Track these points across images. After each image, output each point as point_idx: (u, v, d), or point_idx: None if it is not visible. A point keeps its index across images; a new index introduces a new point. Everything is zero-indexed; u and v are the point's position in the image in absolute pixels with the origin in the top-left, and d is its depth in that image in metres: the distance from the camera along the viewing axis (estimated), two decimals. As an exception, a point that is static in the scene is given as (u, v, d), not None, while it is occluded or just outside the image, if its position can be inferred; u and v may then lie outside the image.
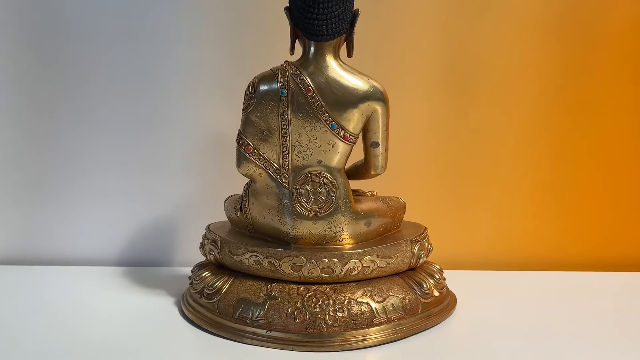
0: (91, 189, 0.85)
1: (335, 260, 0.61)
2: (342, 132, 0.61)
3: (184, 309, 0.67)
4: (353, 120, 0.61)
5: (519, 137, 0.86)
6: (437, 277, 0.67)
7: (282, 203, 0.62)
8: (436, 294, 0.66)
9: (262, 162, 0.63)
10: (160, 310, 0.65)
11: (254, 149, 0.63)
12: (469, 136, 0.86)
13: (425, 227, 0.70)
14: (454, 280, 0.72)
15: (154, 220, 0.87)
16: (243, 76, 0.66)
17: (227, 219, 0.71)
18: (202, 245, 0.70)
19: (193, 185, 0.84)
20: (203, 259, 0.70)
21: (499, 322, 0.63)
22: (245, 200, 0.66)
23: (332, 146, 0.61)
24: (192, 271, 0.71)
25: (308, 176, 0.62)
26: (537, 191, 0.87)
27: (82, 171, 0.85)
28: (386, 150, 0.64)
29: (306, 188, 0.62)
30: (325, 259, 0.60)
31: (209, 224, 0.73)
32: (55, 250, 0.85)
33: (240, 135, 0.63)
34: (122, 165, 0.83)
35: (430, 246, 0.69)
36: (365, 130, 0.63)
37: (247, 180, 0.66)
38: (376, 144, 0.63)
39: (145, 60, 0.84)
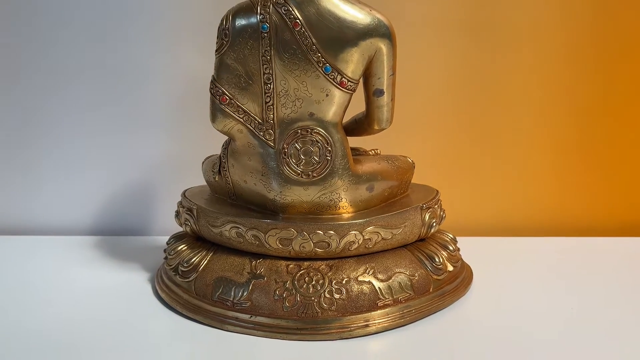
0: (59, 152, 0.76)
1: (332, 232, 0.51)
2: (339, 77, 0.50)
3: (157, 287, 0.58)
4: (352, 62, 0.50)
5: (544, 90, 0.75)
6: (450, 248, 0.58)
7: (266, 165, 0.52)
8: (450, 268, 0.56)
9: (241, 116, 0.52)
10: (132, 287, 0.59)
11: (230, 99, 0.52)
12: (488, 88, 0.75)
13: (437, 191, 0.60)
14: (468, 250, 0.63)
15: (128, 185, 0.78)
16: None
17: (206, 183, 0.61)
18: (177, 215, 0.61)
19: (171, 144, 0.76)
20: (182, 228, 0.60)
21: (523, 299, 0.56)
22: (224, 162, 0.55)
23: (327, 95, 0.50)
24: (167, 243, 0.62)
25: (297, 132, 0.51)
26: (561, 151, 0.77)
27: (49, 134, 0.76)
28: (392, 99, 0.53)
29: (295, 147, 0.51)
30: (320, 231, 0.51)
31: (186, 190, 0.63)
32: (20, 219, 0.80)
33: (213, 82, 0.52)
34: (92, 125, 0.76)
35: (443, 213, 0.59)
36: (367, 74, 0.52)
37: (226, 138, 0.55)
38: (380, 92, 0.52)
39: (117, 3, 0.72)
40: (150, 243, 0.75)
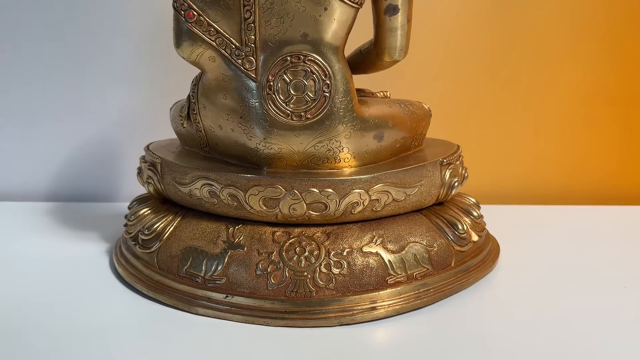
0: (7, 108, 0.67)
1: (330, 190, 0.40)
2: (341, -14, 0.38)
3: (115, 260, 0.47)
4: None
5: (578, 32, 0.64)
6: (474, 214, 0.47)
7: (246, 104, 0.40)
8: (475, 238, 0.46)
9: (212, 38, 0.40)
10: (86, 260, 0.51)
11: (199, 15, 0.40)
12: (519, 27, 0.63)
13: (458, 146, 0.49)
14: (492, 220, 0.54)
15: (88, 144, 0.69)
16: None
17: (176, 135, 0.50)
18: (140, 172, 0.49)
19: (138, 95, 0.67)
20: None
21: (561, 276, 0.47)
22: (194, 103, 0.44)
23: (325, 9, 0.39)
24: (129, 207, 0.51)
25: (287, 60, 0.40)
26: (596, 106, 0.66)
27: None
28: (409, 21, 0.42)
29: (284, 79, 0.40)
30: (315, 189, 0.40)
31: (150, 143, 0.51)
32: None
33: (177, -7, 0.40)
34: (44, 77, 0.67)
35: (465, 171, 0.49)
36: None
37: (197, 72, 0.44)
38: (394, 9, 0.41)
39: None
40: (114, 210, 0.65)
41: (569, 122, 0.66)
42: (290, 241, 0.41)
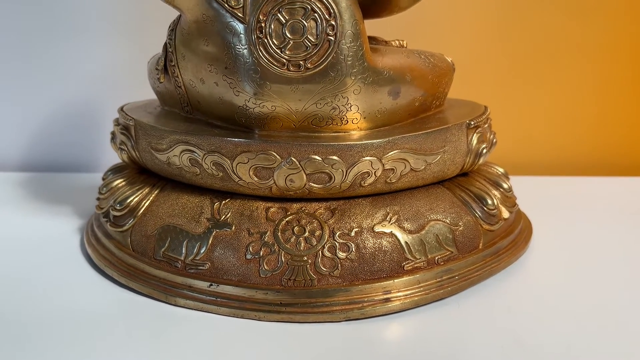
0: None
1: (335, 158, 0.33)
2: None
3: (85, 240, 0.41)
4: None
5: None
6: (505, 186, 0.40)
7: (232, 51, 0.33)
8: (505, 215, 0.39)
9: (190, -33, 0.32)
10: (54, 239, 0.45)
11: (172, -62, 0.32)
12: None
13: (486, 107, 0.42)
14: (520, 193, 0.47)
15: (62, 109, 0.62)
16: None
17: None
18: (113, 138, 0.42)
19: (117, 52, 0.60)
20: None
21: (604, 258, 0.40)
22: (171, 53, 0.36)
23: None
24: (103, 179, 0.44)
25: (281, -5, 0.32)
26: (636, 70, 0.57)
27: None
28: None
29: (278, 19, 0.32)
30: (317, 156, 0.33)
31: (125, 104, 0.44)
32: None
33: None
34: (10, 32, 0.59)
35: (494, 137, 0.41)
36: None
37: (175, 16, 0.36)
38: None
39: None
40: (91, 181, 0.58)
41: (607, 89, 0.59)
42: (287, 219, 0.34)
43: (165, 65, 0.37)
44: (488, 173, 0.41)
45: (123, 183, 0.41)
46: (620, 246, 0.41)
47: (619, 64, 0.59)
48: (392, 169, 0.34)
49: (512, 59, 0.59)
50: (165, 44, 0.37)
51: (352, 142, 0.33)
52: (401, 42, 0.40)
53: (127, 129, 0.39)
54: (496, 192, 0.39)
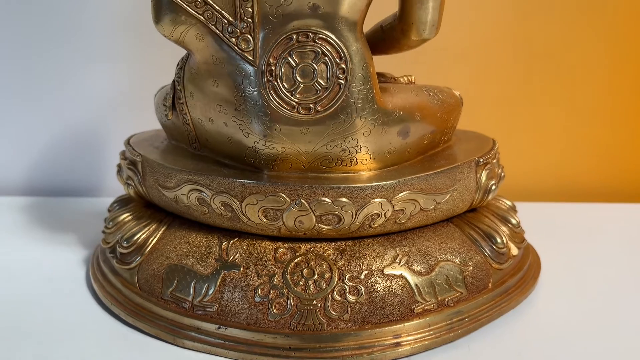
0: None
1: (345, 200, 0.33)
2: (362, -58, 0.30)
3: (91, 274, 0.40)
4: None
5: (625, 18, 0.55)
6: (513, 222, 0.40)
7: (242, 93, 0.33)
8: (514, 252, 0.39)
9: (200, 11, 0.32)
10: (61, 271, 0.44)
11: (182, -18, 0.32)
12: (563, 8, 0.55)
13: (494, 141, 0.42)
14: (526, 221, 0.46)
15: (69, 132, 0.61)
16: None
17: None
18: (119, 170, 0.42)
19: (123, 76, 0.59)
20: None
21: (610, 289, 0.40)
22: (179, 91, 0.36)
23: (340, -26, 0.31)
24: (109, 210, 0.44)
25: (292, 38, 0.32)
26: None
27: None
28: (443, -8, 0.33)
29: (289, 63, 0.32)
30: (326, 199, 0.32)
31: (132, 135, 0.44)
32: None
33: (155, -46, 0.32)
34: (17, 57, 0.58)
35: (502, 171, 0.41)
36: None
37: (183, 53, 0.36)
38: (426, -25, 0.32)
39: None
40: (96, 207, 0.58)
41: (613, 114, 0.58)
42: (296, 260, 0.34)
43: (173, 102, 0.37)
44: (496, 208, 0.41)
45: (129, 217, 0.40)
46: (632, 278, 0.41)
47: (627, 90, 0.58)
48: (402, 210, 0.34)
49: (519, 84, 0.58)
50: (174, 81, 0.37)
51: (361, 185, 0.33)
52: (409, 78, 0.40)
53: (134, 164, 0.39)
54: (505, 229, 0.39)
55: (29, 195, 0.61)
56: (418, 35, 0.35)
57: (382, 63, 0.41)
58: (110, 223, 0.41)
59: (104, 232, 0.42)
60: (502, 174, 0.41)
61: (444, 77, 0.56)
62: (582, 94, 0.58)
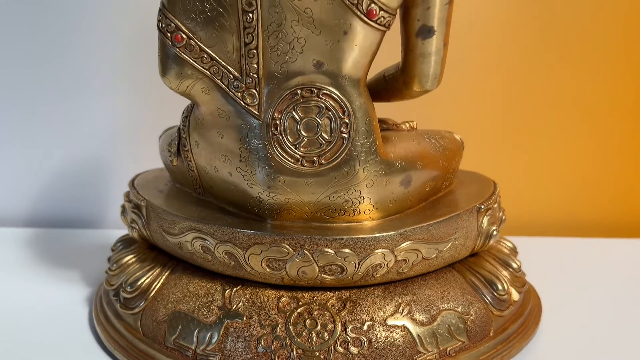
0: None
1: (348, 251, 0.33)
2: (366, 2, 0.31)
3: (94, 316, 0.40)
4: None
5: (625, 54, 0.56)
6: (514, 265, 0.40)
7: (247, 145, 0.33)
8: (515, 297, 0.39)
9: (206, 66, 0.33)
10: (64, 309, 0.44)
11: (189, 38, 0.32)
12: (559, 48, 0.56)
13: (495, 184, 0.42)
14: (525, 257, 0.46)
15: (72, 163, 0.61)
16: None
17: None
18: (123, 211, 0.42)
19: (126, 108, 0.60)
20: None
21: (613, 331, 0.40)
22: (185, 139, 0.36)
23: (345, 32, 0.31)
24: (112, 250, 0.44)
25: (297, 94, 0.32)
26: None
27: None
28: (445, 45, 0.34)
29: (293, 117, 0.32)
30: (329, 249, 0.33)
31: (137, 175, 0.44)
32: None
33: (163, 11, 0.33)
34: (25, 90, 0.59)
35: (503, 214, 0.41)
36: (411, 3, 0.33)
37: (187, 102, 0.37)
38: (428, 31, 0.33)
39: None
40: (99, 239, 0.58)
41: (612, 148, 0.59)
42: (299, 310, 0.34)
43: (178, 149, 0.38)
44: (497, 251, 0.42)
45: (133, 259, 0.41)
46: (635, 319, 0.41)
47: (625, 126, 0.59)
48: (405, 260, 0.34)
49: (513, 120, 0.59)
50: (179, 129, 0.37)
51: (364, 236, 0.33)
52: (411, 124, 0.40)
53: (138, 208, 0.40)
54: (506, 273, 0.39)
55: (32, 226, 0.61)
56: (420, 87, 0.35)
57: (387, 106, 0.42)
58: (114, 265, 0.41)
59: (107, 272, 0.42)
60: (503, 217, 0.42)
61: (442, 114, 0.56)
62: (582, 129, 0.59)
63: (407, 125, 0.40)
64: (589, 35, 0.57)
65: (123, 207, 0.43)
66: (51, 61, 0.58)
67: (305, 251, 0.33)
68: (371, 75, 0.38)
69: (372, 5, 0.30)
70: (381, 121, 0.40)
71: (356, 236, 0.33)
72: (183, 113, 0.37)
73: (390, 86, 0.37)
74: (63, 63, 0.58)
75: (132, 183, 0.42)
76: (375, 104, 0.36)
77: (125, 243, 0.44)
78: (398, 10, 0.32)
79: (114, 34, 0.57)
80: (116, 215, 0.60)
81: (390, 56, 0.36)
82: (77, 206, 0.61)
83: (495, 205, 0.40)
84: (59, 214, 0.61)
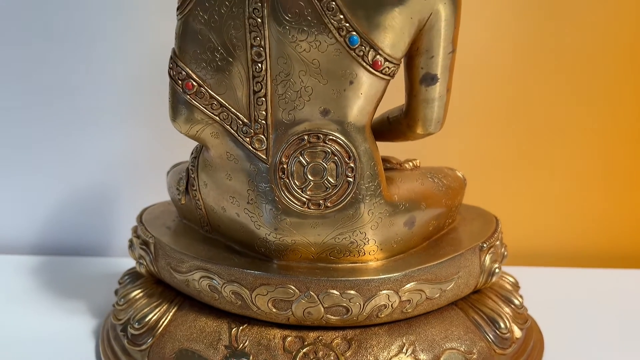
0: None
1: (353, 292, 0.33)
2: (371, 54, 0.32)
3: (101, 350, 0.41)
4: (392, 31, 0.31)
5: (623, 84, 0.57)
6: (516, 302, 0.41)
7: (255, 188, 0.34)
8: (517, 334, 0.39)
9: (216, 112, 0.34)
10: (70, 341, 0.44)
11: (199, 86, 0.33)
12: (558, 79, 0.57)
13: (497, 220, 0.42)
14: (526, 288, 0.46)
15: (80, 191, 0.62)
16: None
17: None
18: (131, 246, 0.43)
19: (134, 139, 0.61)
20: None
21: None
22: (193, 179, 0.37)
23: (351, 82, 0.32)
24: (119, 283, 0.44)
25: (304, 139, 0.33)
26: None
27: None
28: (448, 90, 0.35)
29: (300, 162, 0.33)
30: (335, 291, 0.33)
31: (145, 209, 0.45)
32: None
33: (174, 60, 0.34)
34: (34, 119, 0.60)
35: (505, 250, 0.42)
36: (414, 51, 0.33)
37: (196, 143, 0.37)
38: (432, 79, 0.34)
39: None
40: (107, 267, 0.58)
41: (621, 173, 0.60)
42: (304, 350, 0.34)
43: (187, 187, 0.39)
44: (499, 287, 0.42)
45: (141, 294, 0.41)
46: (637, 353, 0.41)
47: (623, 157, 0.60)
48: (409, 300, 0.35)
49: (518, 150, 0.60)
50: (188, 169, 0.38)
51: (369, 278, 0.34)
52: (414, 163, 0.41)
53: (146, 244, 0.40)
54: (508, 310, 0.40)
55: (39, 254, 0.62)
56: (424, 130, 0.36)
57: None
58: (122, 300, 0.41)
59: (114, 306, 0.42)
60: (505, 253, 0.42)
61: (444, 144, 0.57)
62: (586, 160, 0.60)
63: (411, 164, 0.41)
64: (591, 67, 0.58)
65: (131, 241, 0.43)
66: (62, 91, 0.59)
67: (311, 292, 0.34)
68: (375, 115, 0.39)
69: (378, 56, 0.32)
70: (385, 160, 0.40)
71: (361, 278, 0.34)
72: (192, 153, 0.38)
73: (394, 128, 0.38)
74: (74, 94, 0.59)
75: (140, 218, 0.43)
76: (378, 143, 0.37)
77: (132, 277, 0.44)
78: (402, 59, 0.34)
79: (124, 66, 0.58)
80: (123, 243, 0.61)
81: (392, 100, 0.37)
82: (84, 234, 0.62)
83: (498, 243, 0.41)
84: (66, 241, 0.62)
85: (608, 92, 0.58)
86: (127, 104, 0.59)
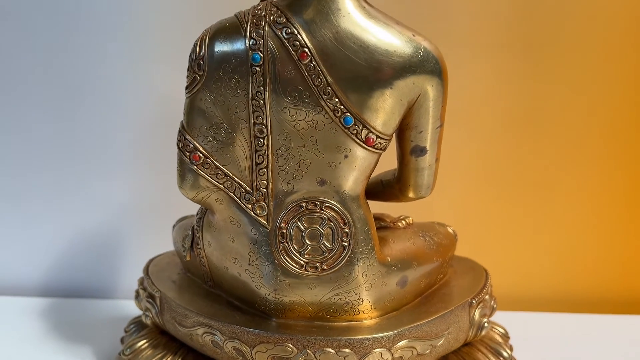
0: (3, 194, 0.63)
1: (348, 351, 0.36)
2: (364, 132, 0.34)
3: (107, 400, 0.43)
4: (383, 111, 0.34)
5: (608, 125, 0.59)
6: (505, 355, 0.43)
7: (256, 251, 0.36)
8: (507, 387, 0.41)
9: (221, 181, 0.36)
10: None
11: (205, 157, 0.36)
12: (542, 125, 0.59)
13: (487, 273, 0.45)
14: (514, 334, 0.47)
15: (89, 233, 0.64)
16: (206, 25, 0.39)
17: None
18: (137, 297, 0.45)
19: (143, 183, 0.63)
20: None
21: None
22: (198, 237, 0.40)
23: (345, 156, 0.35)
24: (125, 331, 0.46)
25: (302, 207, 0.36)
26: (631, 204, 0.60)
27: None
28: (437, 160, 0.38)
29: (298, 227, 0.36)
30: (330, 349, 0.35)
31: (151, 260, 0.47)
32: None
33: (182, 133, 0.37)
34: (44, 162, 0.62)
35: (494, 302, 0.44)
36: (405, 126, 0.36)
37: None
38: (421, 150, 0.37)
39: (69, 10, 0.57)
40: (113, 310, 0.60)
41: (605, 225, 0.62)
42: (301, 405, 0.36)
43: (192, 245, 0.41)
44: (489, 339, 0.44)
45: (146, 345, 0.43)
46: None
47: (619, 201, 0.62)
48: (401, 357, 0.37)
49: (510, 199, 0.62)
50: (193, 228, 0.41)
51: (363, 337, 0.36)
52: (407, 221, 0.44)
53: (152, 297, 0.42)
54: (497, 363, 0.42)
55: (45, 295, 0.63)
56: (415, 195, 0.39)
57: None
58: (128, 350, 0.43)
59: (120, 356, 0.44)
60: (495, 305, 0.44)
61: (435, 195, 0.59)
62: (570, 206, 0.62)
63: (404, 222, 0.43)
64: (579, 119, 0.60)
65: (137, 292, 0.46)
66: (72, 139, 0.61)
67: (308, 350, 0.36)
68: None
69: (370, 134, 0.34)
70: (378, 218, 0.43)
71: (355, 337, 0.36)
72: (197, 214, 0.40)
73: (387, 191, 0.40)
74: (85, 141, 0.61)
75: (146, 270, 0.45)
76: (371, 202, 0.39)
77: (138, 326, 0.46)
78: (394, 134, 0.36)
79: (134, 115, 0.60)
80: (129, 285, 0.63)
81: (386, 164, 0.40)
82: (90, 276, 0.64)
83: (487, 297, 0.43)
84: (73, 284, 0.64)
85: (597, 143, 0.60)
86: (136, 151, 0.61)
